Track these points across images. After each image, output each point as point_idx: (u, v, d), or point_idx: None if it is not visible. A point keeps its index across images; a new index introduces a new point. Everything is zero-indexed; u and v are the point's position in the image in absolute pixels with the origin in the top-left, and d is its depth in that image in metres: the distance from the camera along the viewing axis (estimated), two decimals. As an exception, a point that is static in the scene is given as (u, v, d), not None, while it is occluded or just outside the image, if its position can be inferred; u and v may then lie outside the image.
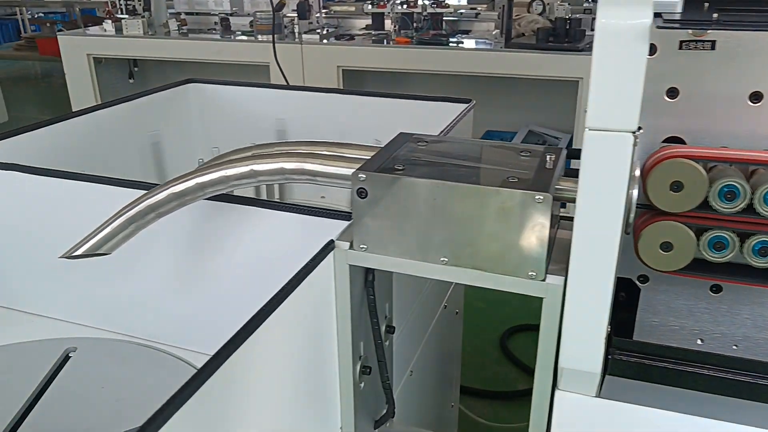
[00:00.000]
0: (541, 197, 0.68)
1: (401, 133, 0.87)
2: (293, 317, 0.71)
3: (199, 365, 1.04)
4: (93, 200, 0.99)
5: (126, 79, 3.65)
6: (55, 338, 1.11)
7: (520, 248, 0.70)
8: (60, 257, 0.90)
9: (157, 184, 0.89)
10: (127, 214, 0.87)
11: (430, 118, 1.51)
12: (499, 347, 2.43)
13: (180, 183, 0.85)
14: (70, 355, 1.08)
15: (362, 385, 0.89)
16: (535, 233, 0.69)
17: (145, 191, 0.88)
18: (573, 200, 0.73)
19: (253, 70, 3.23)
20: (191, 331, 1.07)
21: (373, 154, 0.85)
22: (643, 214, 0.69)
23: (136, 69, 3.68)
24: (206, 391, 0.55)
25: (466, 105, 1.43)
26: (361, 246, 0.77)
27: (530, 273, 0.71)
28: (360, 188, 0.74)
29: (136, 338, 1.12)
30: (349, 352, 0.85)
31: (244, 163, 0.83)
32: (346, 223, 0.93)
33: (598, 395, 0.74)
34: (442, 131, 1.21)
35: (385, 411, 1.01)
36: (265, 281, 1.00)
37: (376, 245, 0.76)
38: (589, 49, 2.81)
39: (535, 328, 0.73)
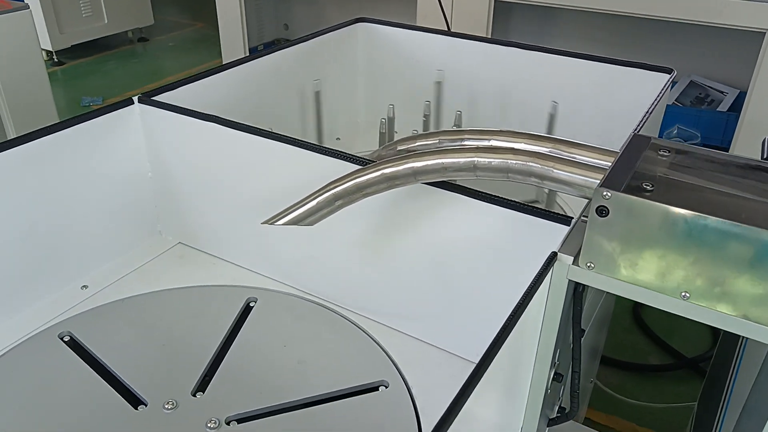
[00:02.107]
0: (831, 251, 0.59)
1: (635, 135, 0.79)
2: (520, 328, 0.68)
3: (371, 332, 1.07)
4: (294, 163, 0.99)
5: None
6: (238, 286, 1.16)
7: (786, 299, 0.62)
8: (263, 223, 0.91)
9: (369, 161, 0.86)
10: (334, 190, 0.86)
11: (618, 86, 1.38)
12: (631, 315, 2.34)
13: (393, 166, 0.82)
14: (251, 304, 1.12)
15: (549, 391, 0.87)
16: (811, 288, 0.61)
17: (358, 167, 0.85)
18: None
19: (397, 2, 3.11)
20: (364, 298, 1.08)
21: (606, 158, 0.77)
22: None
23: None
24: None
25: (668, 76, 1.28)
26: (589, 264, 0.71)
27: (791, 326, 0.63)
28: (601, 206, 0.68)
29: (309, 294, 1.14)
30: (547, 361, 0.82)
31: (465, 154, 0.78)
32: (547, 223, 0.86)
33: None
34: (646, 112, 1.10)
35: (558, 411, 0.98)
36: (446, 268, 0.97)
37: (606, 266, 0.71)
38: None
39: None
